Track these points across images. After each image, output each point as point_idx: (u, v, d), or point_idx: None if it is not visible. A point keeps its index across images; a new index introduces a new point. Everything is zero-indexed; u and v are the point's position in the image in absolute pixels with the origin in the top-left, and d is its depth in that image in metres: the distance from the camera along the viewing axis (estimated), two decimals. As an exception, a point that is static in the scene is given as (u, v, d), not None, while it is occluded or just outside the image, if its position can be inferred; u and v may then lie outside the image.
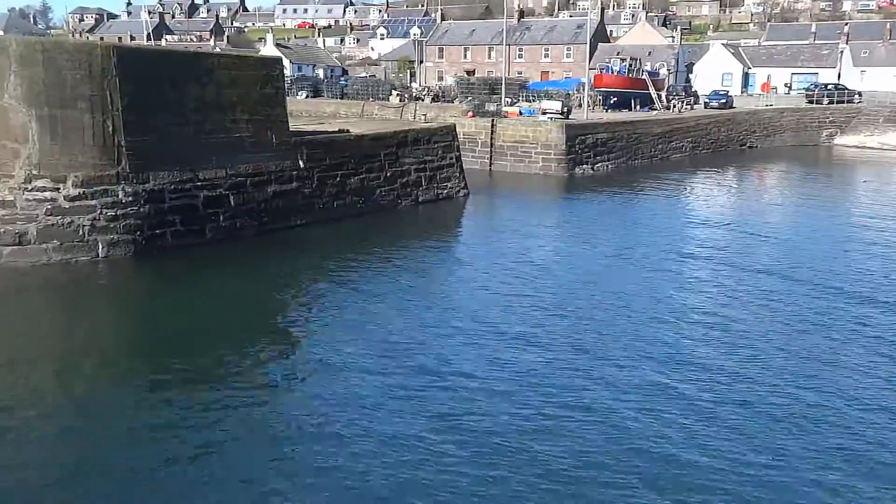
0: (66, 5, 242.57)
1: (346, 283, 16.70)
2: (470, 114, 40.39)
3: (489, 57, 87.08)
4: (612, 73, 57.98)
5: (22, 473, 8.65)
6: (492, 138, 37.95)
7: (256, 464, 9.07)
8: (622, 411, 10.65)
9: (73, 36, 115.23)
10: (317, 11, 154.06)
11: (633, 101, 55.21)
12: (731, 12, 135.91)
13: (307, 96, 56.70)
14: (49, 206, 16.72)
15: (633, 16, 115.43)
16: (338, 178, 23.32)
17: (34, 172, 16.62)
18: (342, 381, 11.38)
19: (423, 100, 51.98)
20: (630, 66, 58.86)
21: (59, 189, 16.79)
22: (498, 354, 12.65)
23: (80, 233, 17.03)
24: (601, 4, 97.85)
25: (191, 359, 12.05)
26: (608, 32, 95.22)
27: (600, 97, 54.27)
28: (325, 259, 18.77)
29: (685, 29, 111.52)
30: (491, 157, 37.90)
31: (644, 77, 58.67)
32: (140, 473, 8.77)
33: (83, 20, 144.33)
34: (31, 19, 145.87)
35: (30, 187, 16.58)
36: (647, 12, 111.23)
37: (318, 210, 22.55)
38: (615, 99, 54.17)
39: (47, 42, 18.91)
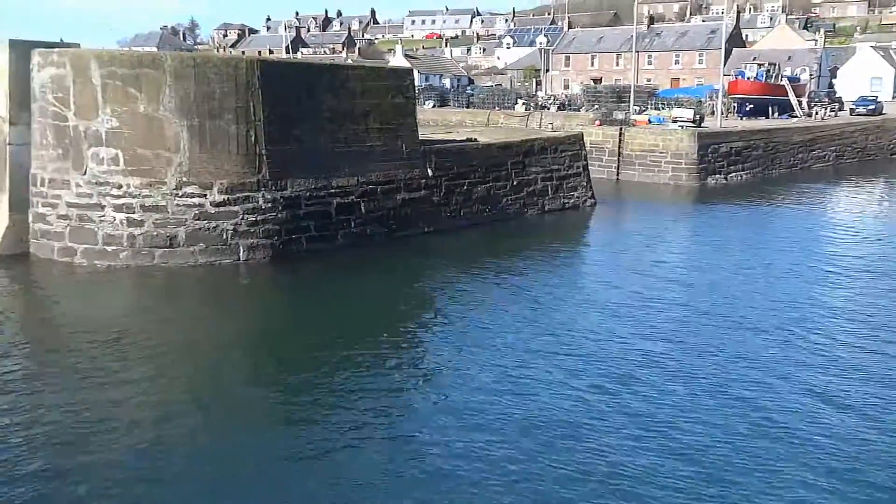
0: (211, 22, 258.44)
1: (473, 289, 16.83)
2: (597, 122, 39.81)
3: (617, 64, 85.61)
4: (748, 79, 55.65)
5: (169, 463, 9.21)
6: (619, 147, 37.24)
7: (389, 462, 9.23)
8: (759, 419, 10.16)
9: (217, 51, 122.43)
10: (444, 22, 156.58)
11: (770, 108, 52.75)
12: (881, 12, 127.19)
13: (434, 106, 57.74)
14: (197, 212, 17.79)
15: (771, 19, 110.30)
16: (465, 187, 23.55)
17: (184, 179, 17.73)
18: (472, 386, 11.44)
19: (548, 108, 51.74)
20: (768, 71, 56.30)
21: (206, 195, 17.84)
22: (628, 366, 12.36)
23: (224, 237, 18.01)
24: (737, 8, 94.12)
25: (326, 358, 12.43)
26: (744, 37, 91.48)
27: (735, 104, 52.22)
28: (452, 266, 18.98)
29: (829, 31, 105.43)
30: (618, 166, 37.19)
31: (783, 83, 55.97)
32: (277, 468, 9.14)
33: (227, 35, 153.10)
34: (181, 36, 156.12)
35: (180, 193, 17.70)
36: (786, 14, 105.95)
37: (445, 218, 22.85)
38: (751, 106, 51.94)
39: (198, 57, 20.15)
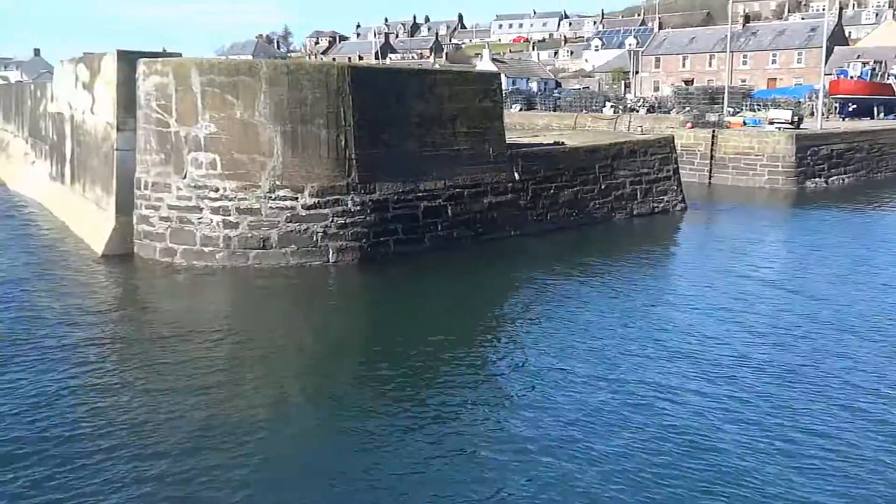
0: (304, 30, 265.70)
1: (558, 293, 16.67)
2: (689, 125, 38.82)
3: (710, 65, 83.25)
4: (852, 78, 53.16)
5: (262, 465, 9.46)
6: (712, 150, 36.22)
7: (501, 465, 9.19)
8: (863, 447, 9.65)
9: (309, 58, 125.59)
10: (531, 25, 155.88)
11: (875, 109, 50.22)
12: None
13: (521, 109, 57.51)
14: (289, 214, 18.29)
15: (876, 15, 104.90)
16: (552, 191, 23.36)
17: (277, 183, 18.26)
18: (575, 388, 11.33)
19: (637, 111, 50.75)
20: (873, 69, 53.64)
21: (297, 198, 18.32)
22: (728, 369, 12.03)
23: (314, 239, 18.45)
24: (839, 4, 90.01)
25: (411, 359, 12.54)
26: (846, 34, 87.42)
27: (836, 105, 50.00)
28: (539, 269, 18.85)
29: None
30: (711, 169, 36.17)
31: (889, 81, 53.19)
32: (360, 472, 9.23)
33: (318, 43, 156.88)
34: (275, 44, 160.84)
35: (273, 196, 18.23)
36: (894, 10, 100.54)
37: (532, 221, 22.73)
38: (854, 106, 49.62)
39: (291, 64, 20.78)
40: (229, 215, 18.16)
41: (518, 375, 12.05)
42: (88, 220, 21.39)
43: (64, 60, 25.17)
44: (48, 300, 15.64)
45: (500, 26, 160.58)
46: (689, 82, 77.00)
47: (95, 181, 21.28)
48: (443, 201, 20.54)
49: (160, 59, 19.07)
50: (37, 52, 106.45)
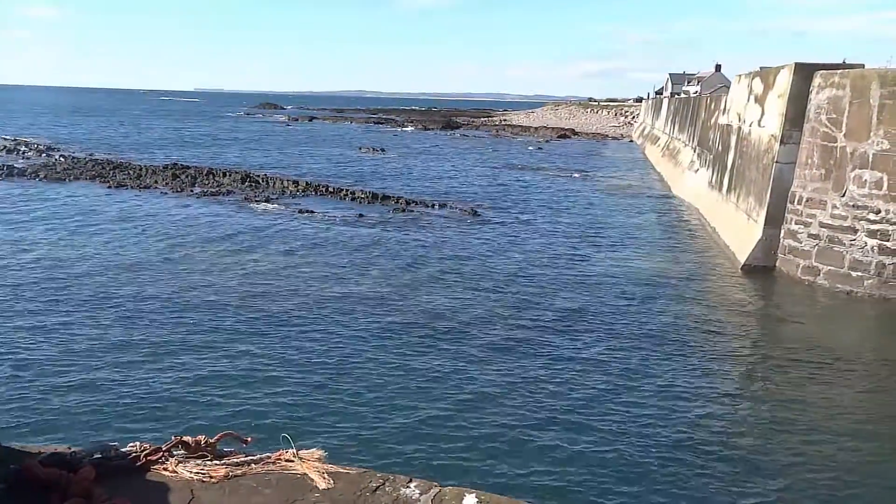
0: None
1: None
2: None
3: None
4: None
5: None
6: None
7: None
8: None
9: None
10: None
11: None
12: None
13: None
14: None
15: None
16: None
17: (955, 212, 15.72)
18: None
19: None
20: None
21: (979, 232, 15.48)
22: None
23: None
24: None
25: None
26: None
27: None
28: None
29: None
30: None
31: None
32: None
33: None
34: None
35: (947, 227, 15.78)
36: None
37: None
38: None
39: None
40: (888, 241, 16.43)
41: None
42: (736, 229, 21.98)
43: (741, 75, 26.16)
44: (690, 303, 16.46)
45: None
46: None
47: (749, 192, 21.68)
48: None
49: (838, 72, 18.21)
50: (717, 67, 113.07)
